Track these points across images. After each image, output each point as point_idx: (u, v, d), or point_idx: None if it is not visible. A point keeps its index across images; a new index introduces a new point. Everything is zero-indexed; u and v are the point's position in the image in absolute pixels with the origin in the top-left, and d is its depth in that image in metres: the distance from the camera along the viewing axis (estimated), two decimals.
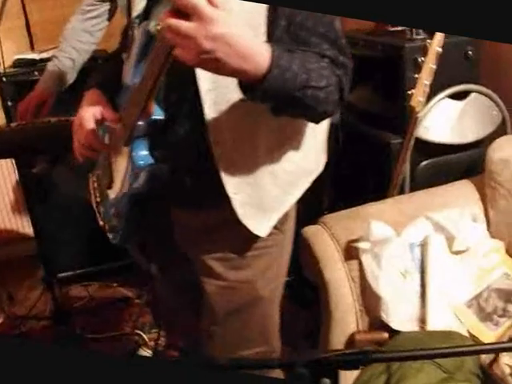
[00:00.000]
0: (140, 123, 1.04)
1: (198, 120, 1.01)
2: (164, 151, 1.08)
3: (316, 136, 1.17)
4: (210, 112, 1.01)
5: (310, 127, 1.13)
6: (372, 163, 2.02)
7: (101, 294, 2.83)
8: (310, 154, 1.16)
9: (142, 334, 2.30)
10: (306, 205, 1.23)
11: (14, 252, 3.19)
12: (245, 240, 1.11)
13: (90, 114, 1.12)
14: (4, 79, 2.38)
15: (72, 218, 2.59)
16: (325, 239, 1.55)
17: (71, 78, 1.98)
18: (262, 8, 0.96)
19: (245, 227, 1.08)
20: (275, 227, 1.13)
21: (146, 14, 1.10)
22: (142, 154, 1.09)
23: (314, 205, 1.97)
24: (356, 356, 0.69)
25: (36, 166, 1.90)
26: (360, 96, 2.15)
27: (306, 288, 1.77)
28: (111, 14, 1.99)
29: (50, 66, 1.98)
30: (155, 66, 0.91)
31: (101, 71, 1.32)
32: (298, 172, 1.14)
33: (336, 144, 2.06)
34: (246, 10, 0.94)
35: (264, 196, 1.10)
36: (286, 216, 1.16)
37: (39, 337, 2.48)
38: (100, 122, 1.13)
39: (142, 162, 1.09)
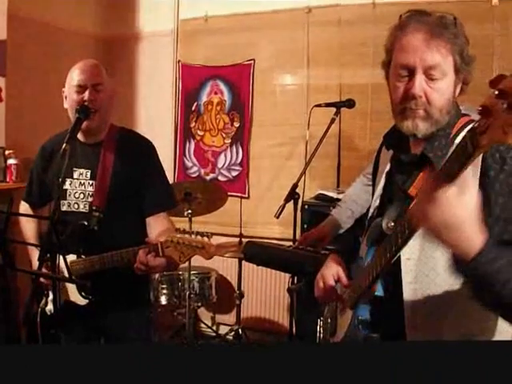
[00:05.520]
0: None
1: (401, 301, 1.29)
2: (381, 321, 1.37)
3: None
4: (407, 303, 1.28)
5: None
6: None
7: None
8: None
9: None
10: None
11: None
12: None
13: (330, 272, 1.50)
14: (306, 207, 3.01)
15: None
16: None
17: (348, 224, 2.26)
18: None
19: None
20: None
21: (380, 211, 1.41)
22: (363, 319, 1.40)
23: None
24: None
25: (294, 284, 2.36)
26: None
27: None
28: None
29: (333, 211, 2.34)
30: (381, 258, 1.23)
31: (343, 240, 1.67)
32: None
33: None
34: None
35: None
36: None
37: None
38: (337, 280, 1.49)
39: (360, 327, 1.39)
